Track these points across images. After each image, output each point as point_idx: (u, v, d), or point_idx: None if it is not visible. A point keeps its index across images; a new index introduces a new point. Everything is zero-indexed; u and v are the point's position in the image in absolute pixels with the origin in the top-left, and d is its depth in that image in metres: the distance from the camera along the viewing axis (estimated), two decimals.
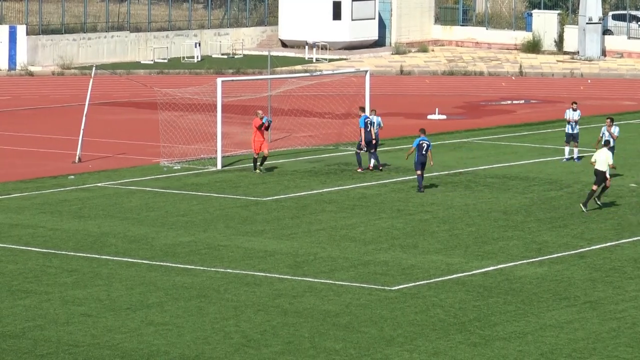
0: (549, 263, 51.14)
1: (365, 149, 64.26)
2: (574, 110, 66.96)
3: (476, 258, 52.19)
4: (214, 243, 52.13)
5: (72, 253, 51.31)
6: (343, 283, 45.94)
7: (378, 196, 63.40)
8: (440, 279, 48.38)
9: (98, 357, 36.62)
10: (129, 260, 49.68)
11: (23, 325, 40.28)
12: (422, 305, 44.10)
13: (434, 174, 63.82)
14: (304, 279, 46.24)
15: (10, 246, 51.30)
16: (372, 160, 64.94)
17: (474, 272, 49.65)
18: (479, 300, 44.98)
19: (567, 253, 51.96)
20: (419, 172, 62.04)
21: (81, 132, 66.88)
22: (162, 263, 50.45)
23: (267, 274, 47.20)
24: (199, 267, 49.32)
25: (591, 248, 51.37)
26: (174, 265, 49.99)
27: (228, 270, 47.69)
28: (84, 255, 50.92)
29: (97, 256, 50.50)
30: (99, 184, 69.68)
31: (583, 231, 54.65)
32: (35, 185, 64.31)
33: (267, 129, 58.41)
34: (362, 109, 66.07)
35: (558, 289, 45.53)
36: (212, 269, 48.39)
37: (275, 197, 60.09)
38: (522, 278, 48.12)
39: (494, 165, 68.39)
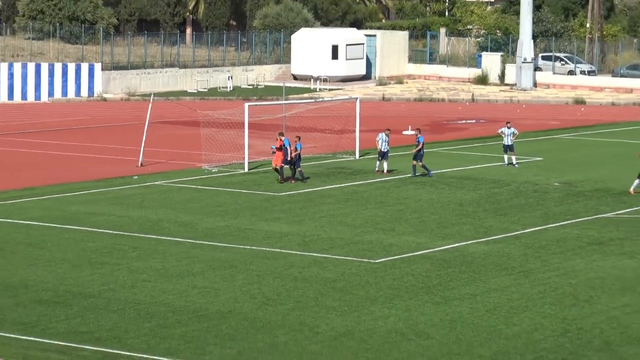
0: (492, 242, 51.16)
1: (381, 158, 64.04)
2: (509, 127, 66.22)
3: (438, 238, 52.21)
4: (242, 227, 52.12)
5: (136, 234, 51.34)
6: (339, 257, 46.19)
7: (365, 192, 63.36)
8: (411, 254, 48.48)
9: (155, 312, 36.88)
10: (179, 239, 49.65)
11: (99, 288, 40.62)
12: (397, 274, 44.36)
13: (407, 175, 63.63)
14: (310, 254, 46.47)
15: (88, 229, 51.27)
16: (385, 165, 64.63)
17: (437, 249, 49.72)
18: (441, 270, 45.17)
19: (506, 235, 52.07)
20: (414, 162, 62.32)
21: (142, 143, 66.73)
22: (203, 242, 50.51)
23: (282, 250, 47.46)
24: (231, 245, 49.31)
25: (525, 231, 51.48)
26: (212, 243, 49.99)
27: (253, 248, 47.73)
28: (145, 236, 50.92)
29: (154, 237, 50.47)
30: (156, 183, 69.40)
31: (519, 219, 54.70)
32: (107, 183, 64.19)
33: (298, 157, 57.10)
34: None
35: (499, 262, 45.72)
36: (241, 247, 48.49)
37: (288, 193, 59.94)
38: (472, 253, 48.20)
39: (453, 169, 68.18)
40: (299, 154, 57.25)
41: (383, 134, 63.48)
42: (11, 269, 43.92)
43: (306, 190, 61.97)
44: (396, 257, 47.33)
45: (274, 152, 57.97)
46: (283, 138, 55.37)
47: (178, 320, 36.02)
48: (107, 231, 51.68)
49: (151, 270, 43.72)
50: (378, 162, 65.59)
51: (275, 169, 59.83)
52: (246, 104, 66.99)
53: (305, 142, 65.48)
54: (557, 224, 53.46)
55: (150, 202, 60.29)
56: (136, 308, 37.56)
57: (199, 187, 63.68)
